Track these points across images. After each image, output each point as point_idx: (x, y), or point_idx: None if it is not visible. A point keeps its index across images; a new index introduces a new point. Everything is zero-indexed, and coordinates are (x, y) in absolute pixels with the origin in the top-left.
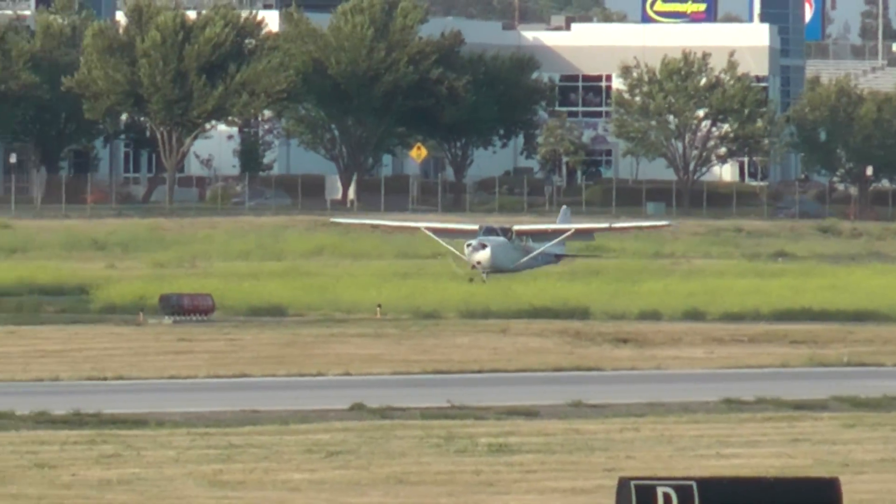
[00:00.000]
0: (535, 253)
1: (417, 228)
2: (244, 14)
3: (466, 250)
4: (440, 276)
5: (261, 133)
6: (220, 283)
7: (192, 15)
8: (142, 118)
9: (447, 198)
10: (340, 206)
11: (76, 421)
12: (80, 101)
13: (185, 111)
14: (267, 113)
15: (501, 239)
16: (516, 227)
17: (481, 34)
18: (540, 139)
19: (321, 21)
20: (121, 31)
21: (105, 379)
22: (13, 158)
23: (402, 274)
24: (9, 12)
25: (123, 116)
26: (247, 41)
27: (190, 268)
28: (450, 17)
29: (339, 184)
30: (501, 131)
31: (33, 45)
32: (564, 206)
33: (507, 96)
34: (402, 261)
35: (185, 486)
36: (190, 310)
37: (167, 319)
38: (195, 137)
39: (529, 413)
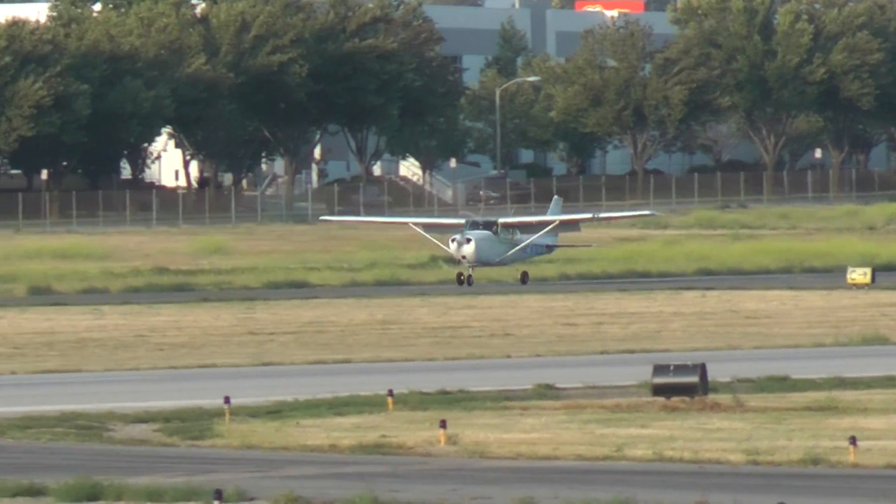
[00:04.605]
0: (522, 245)
1: (406, 224)
2: None
3: (451, 245)
4: None
5: None
6: None
7: None
8: None
9: None
10: None
11: None
12: None
13: None
14: None
15: (486, 233)
16: (502, 220)
17: None
18: None
19: None
20: None
21: None
22: None
23: None
24: None
25: None
26: None
27: None
28: None
29: None
30: None
31: None
32: (556, 196)
33: None
34: None
35: None
36: None
37: None
38: None
39: None
